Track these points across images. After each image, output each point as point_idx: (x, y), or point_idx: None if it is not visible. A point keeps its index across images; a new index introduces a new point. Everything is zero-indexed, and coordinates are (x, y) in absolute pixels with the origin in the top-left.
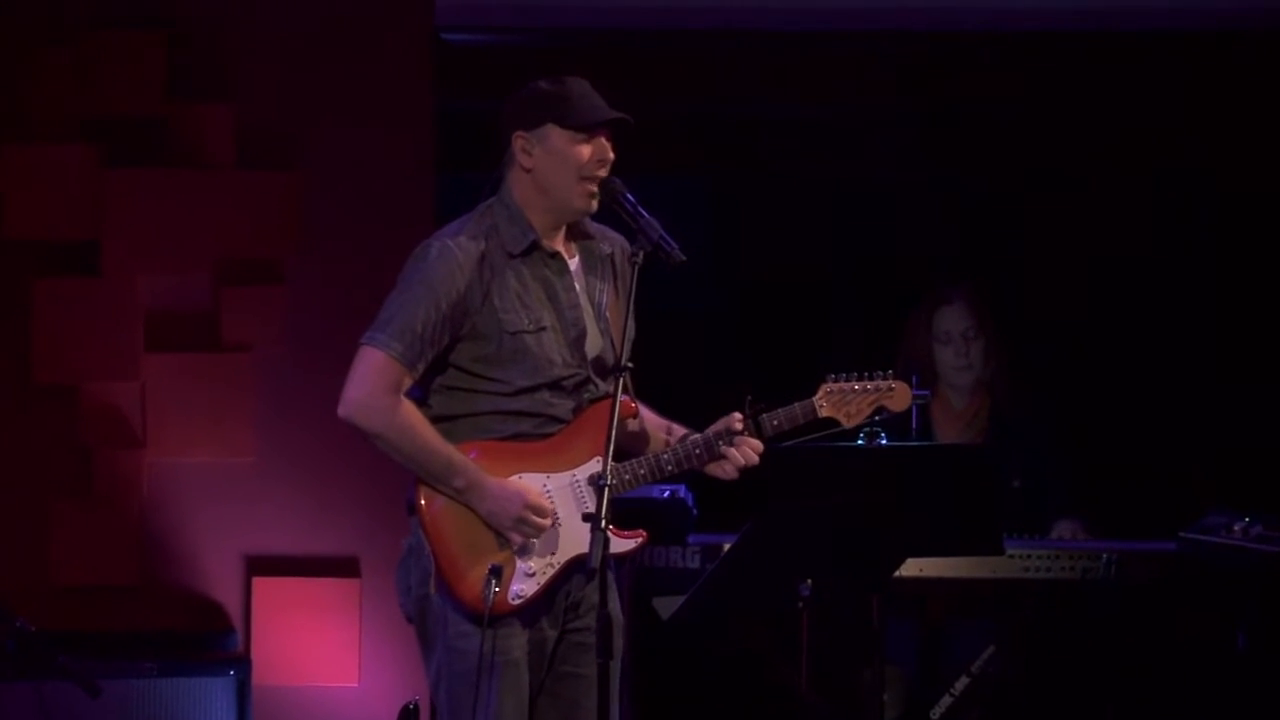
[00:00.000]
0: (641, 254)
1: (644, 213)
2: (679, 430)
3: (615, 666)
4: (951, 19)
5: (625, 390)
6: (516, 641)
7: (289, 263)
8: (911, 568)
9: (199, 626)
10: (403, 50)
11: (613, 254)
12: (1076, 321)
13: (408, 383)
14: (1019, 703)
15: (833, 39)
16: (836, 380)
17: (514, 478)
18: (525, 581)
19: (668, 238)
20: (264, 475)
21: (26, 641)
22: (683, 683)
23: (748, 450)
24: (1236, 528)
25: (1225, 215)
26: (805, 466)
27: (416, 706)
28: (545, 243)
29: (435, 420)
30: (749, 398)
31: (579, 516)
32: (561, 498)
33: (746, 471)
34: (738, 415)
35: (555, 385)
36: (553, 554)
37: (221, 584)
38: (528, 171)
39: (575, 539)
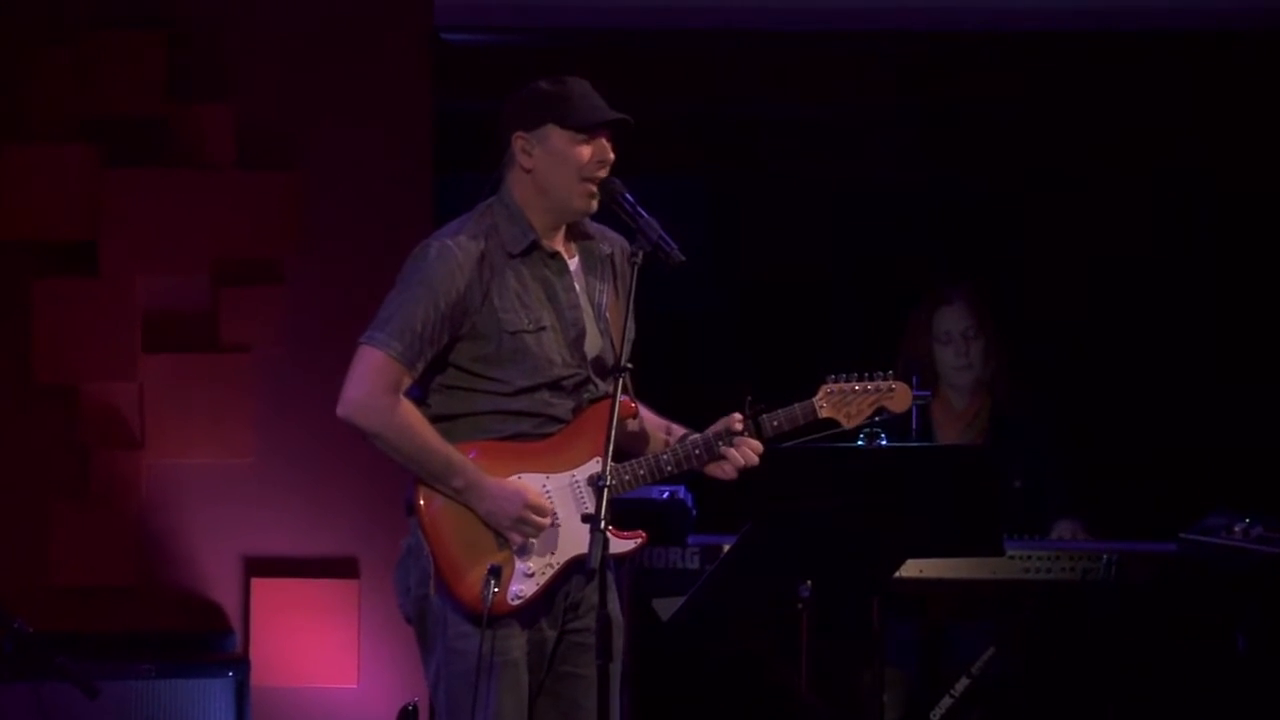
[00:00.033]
0: (641, 254)
1: (643, 213)
2: (678, 430)
3: (615, 668)
4: (951, 19)
5: (625, 390)
6: (516, 642)
7: (288, 263)
8: (911, 569)
9: (197, 627)
10: (402, 50)
11: (612, 254)
12: (1076, 321)
13: (407, 382)
14: (1019, 704)
15: (833, 39)
16: (837, 381)
17: (513, 478)
18: (524, 582)
19: (667, 238)
20: (263, 476)
21: (24, 642)
22: (682, 684)
23: (747, 451)
24: (1237, 529)
25: (1225, 215)
26: (805, 467)
27: (415, 707)
28: (545, 243)
29: (434, 420)
30: (749, 398)
31: (578, 517)
32: (561, 498)
33: (746, 472)
34: (737, 416)
35: (555, 385)
36: (552, 554)
37: (220, 585)
38: (528, 172)
39: (574, 539)
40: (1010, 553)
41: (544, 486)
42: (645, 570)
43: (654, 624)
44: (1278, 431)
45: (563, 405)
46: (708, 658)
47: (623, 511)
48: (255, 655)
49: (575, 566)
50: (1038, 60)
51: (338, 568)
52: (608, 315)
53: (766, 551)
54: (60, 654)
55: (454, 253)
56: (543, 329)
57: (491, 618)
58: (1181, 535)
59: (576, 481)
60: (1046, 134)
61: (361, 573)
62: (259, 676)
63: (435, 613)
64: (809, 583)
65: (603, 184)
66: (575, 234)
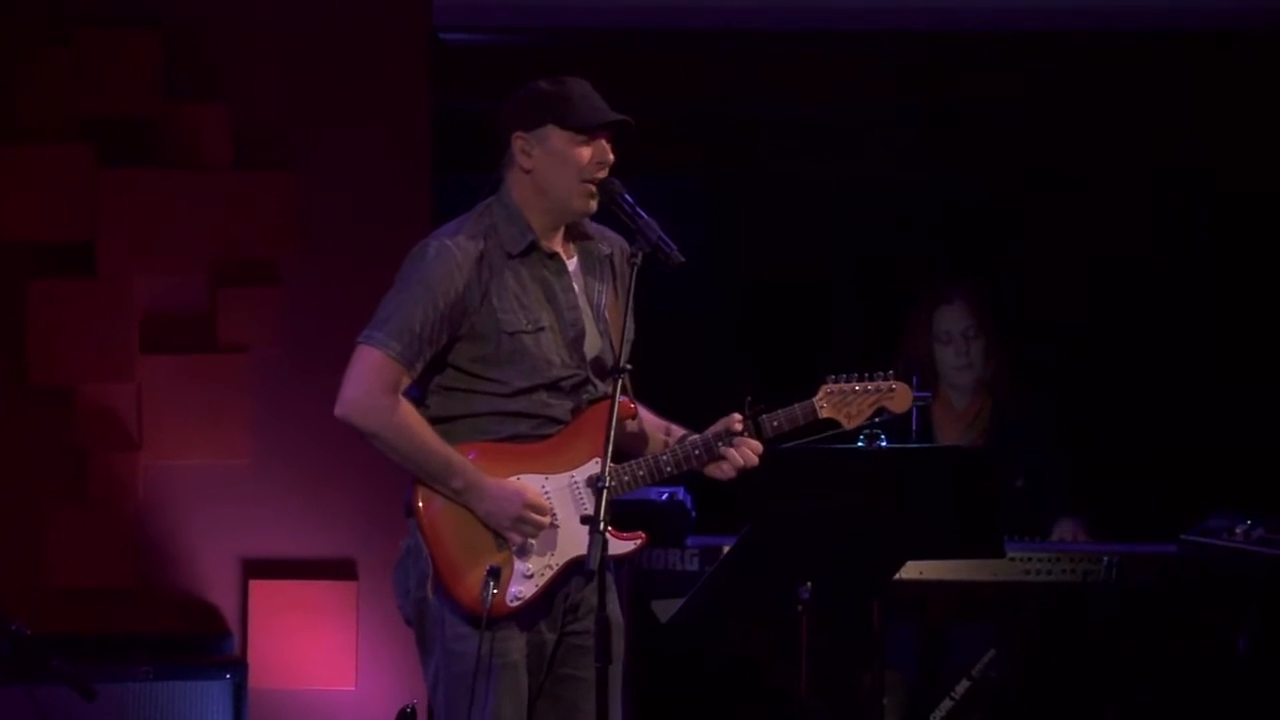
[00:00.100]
0: (640, 255)
1: (642, 213)
2: (678, 431)
3: (615, 670)
4: (951, 19)
5: (624, 391)
6: (515, 644)
7: (285, 263)
8: (912, 570)
9: (195, 629)
10: (400, 50)
11: (612, 255)
12: (1076, 321)
13: (405, 382)
14: (1020, 706)
15: (833, 39)
16: (837, 381)
17: (512, 479)
18: (523, 583)
19: (666, 239)
20: (260, 477)
21: (21, 644)
22: (682, 686)
23: (747, 451)
24: (1238, 530)
25: (1225, 215)
26: (805, 468)
27: (414, 709)
28: (544, 243)
29: (433, 421)
30: (749, 398)
31: (577, 518)
32: (560, 499)
33: (745, 473)
34: (737, 416)
35: (554, 386)
36: (551, 556)
37: (218, 586)
38: (527, 172)
39: (574, 540)
40: (1010, 554)
41: (543, 487)
42: (644, 572)
43: (653, 626)
44: (1278, 432)
45: (561, 406)
46: (707, 659)
47: (622, 513)
48: (253, 657)
49: (574, 568)
50: (1038, 60)
51: (336, 569)
52: (607, 316)
53: (766, 553)
54: (57, 656)
55: (453, 253)
56: (541, 329)
57: (490, 619)
58: (1182, 537)
59: (575, 482)
60: (1046, 134)
61: (360, 574)
62: (257, 678)
63: (434, 614)
64: (809, 584)
65: (602, 184)
66: (574, 234)
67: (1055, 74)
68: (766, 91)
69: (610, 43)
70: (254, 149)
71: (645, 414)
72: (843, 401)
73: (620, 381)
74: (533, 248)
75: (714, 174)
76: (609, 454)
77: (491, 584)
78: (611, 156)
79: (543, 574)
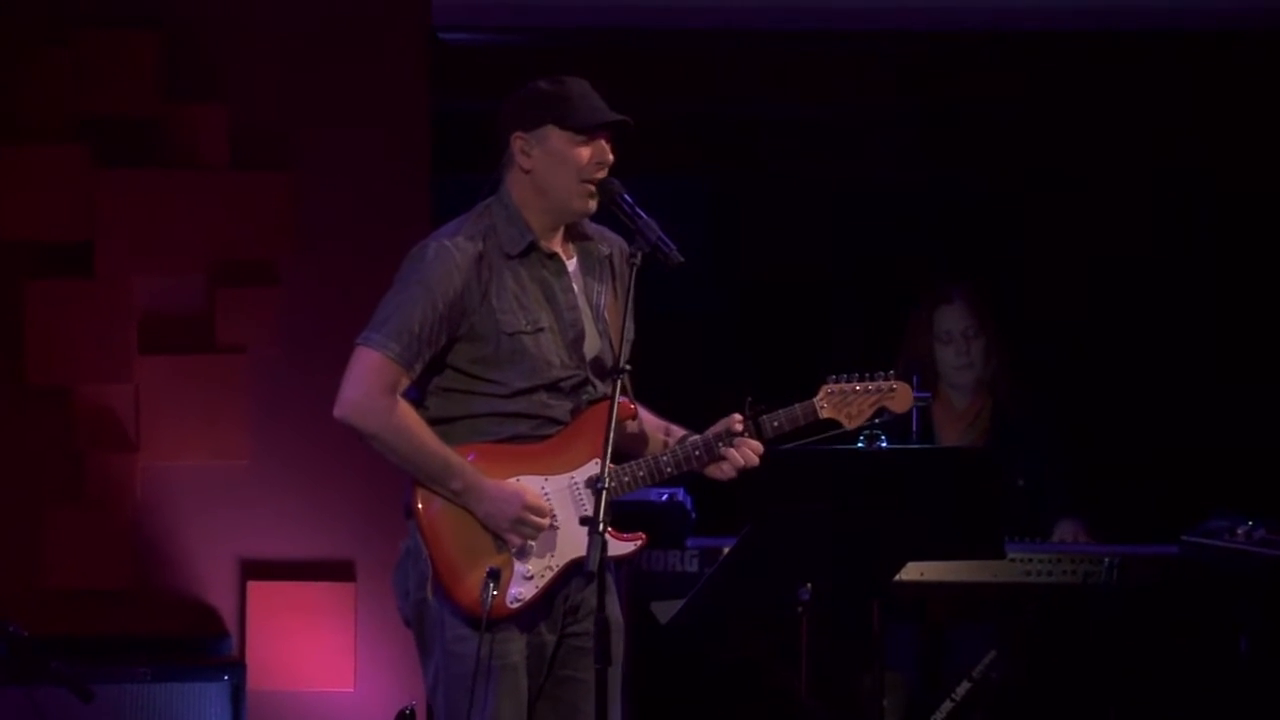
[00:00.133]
0: (639, 255)
1: (642, 214)
2: (677, 431)
3: (615, 671)
4: (951, 19)
5: (624, 392)
6: (515, 645)
7: (284, 264)
8: (912, 571)
9: (193, 631)
10: (399, 50)
11: (611, 255)
12: (1076, 321)
13: (404, 383)
14: (1021, 708)
15: (833, 39)
16: (838, 381)
17: (512, 480)
18: (523, 584)
19: (666, 239)
20: (259, 478)
21: (19, 646)
22: (681, 688)
23: (747, 452)
24: (1239, 531)
25: (1225, 215)
26: (805, 469)
27: (413, 711)
28: (543, 244)
29: (432, 422)
30: (749, 399)
31: (577, 519)
32: (560, 500)
33: (745, 474)
34: (738, 416)
35: (553, 387)
36: (551, 557)
37: (216, 588)
38: (526, 172)
39: (573, 542)
40: (1011, 555)
41: (543, 489)
42: (644, 573)
43: (653, 627)
44: (1278, 432)
45: (561, 407)
46: (707, 661)
47: (621, 514)
48: (251, 659)
49: (574, 569)
50: (1038, 60)
51: (334, 570)
52: (606, 316)
53: (766, 554)
54: (55, 658)
55: (451, 253)
56: (541, 330)
57: (490, 621)
58: (1183, 538)
59: (575, 483)
60: (1046, 134)
61: (358, 576)
62: (255, 680)
63: (434, 616)
64: (809, 585)
65: (601, 184)
66: (574, 235)
67: (1055, 74)
68: (766, 91)
69: (610, 42)
70: (252, 149)
71: (645, 414)
72: (843, 402)
73: (620, 382)
74: (532, 248)
75: (714, 174)
76: (608, 455)
77: (491, 586)
78: (611, 156)
79: (543, 575)
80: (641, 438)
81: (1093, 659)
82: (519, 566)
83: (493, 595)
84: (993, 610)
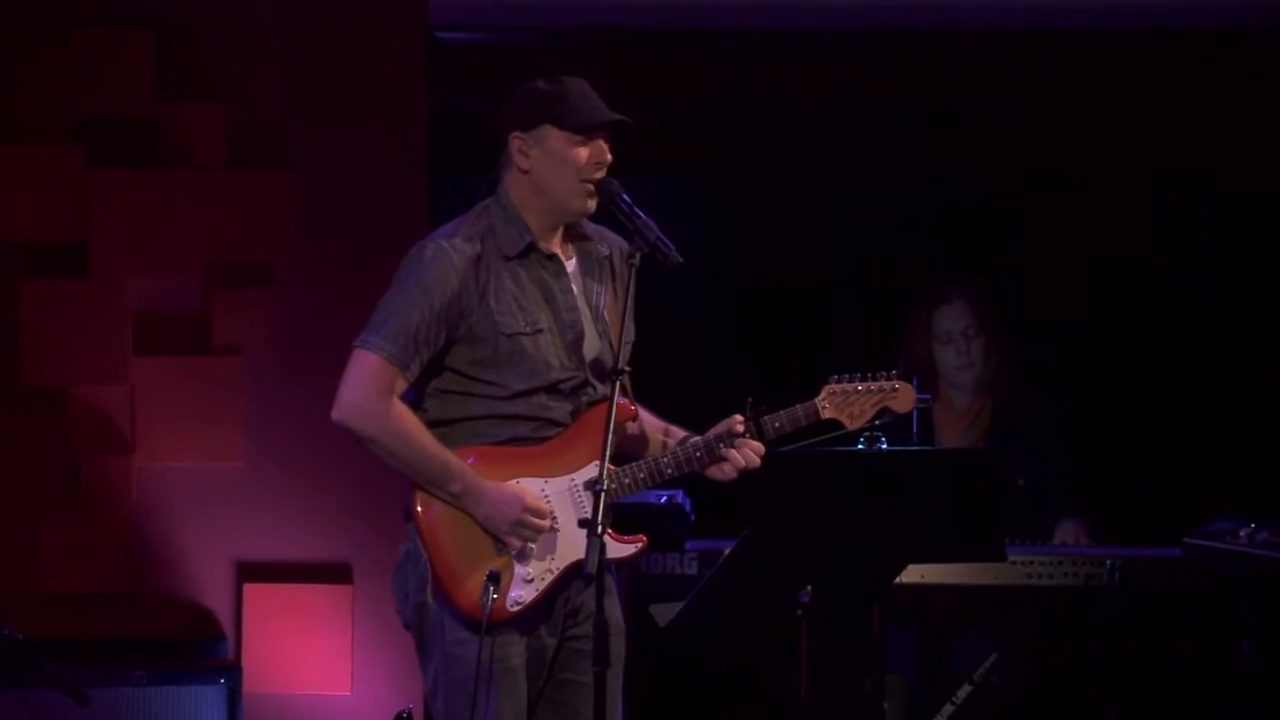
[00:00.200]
0: (638, 255)
1: (641, 214)
2: (677, 432)
3: (616, 673)
4: (951, 18)
5: (624, 393)
6: (515, 649)
7: (280, 264)
8: (913, 574)
9: (189, 633)
10: (397, 49)
11: (610, 255)
12: (1076, 321)
13: (402, 385)
14: (1022, 711)
15: (833, 39)
16: (839, 381)
17: (511, 482)
18: (524, 587)
19: (665, 239)
20: (255, 480)
21: (14, 649)
22: (681, 690)
23: (749, 452)
24: (1242, 534)
25: (1225, 215)
26: (805, 471)
27: (410, 714)
28: (542, 244)
29: (431, 425)
30: (750, 399)
31: (577, 522)
32: (560, 502)
33: (745, 475)
34: (739, 417)
35: (552, 388)
36: (551, 559)
37: (212, 590)
38: (525, 173)
39: (574, 544)
40: (1012, 558)
41: (543, 491)
42: (642, 576)
43: (652, 629)
44: (1278, 432)
45: (561, 408)
46: (706, 664)
47: (620, 516)
48: (248, 661)
49: (575, 572)
50: (1038, 60)
51: (331, 573)
52: (606, 317)
53: (766, 556)
54: (50, 661)
55: (449, 254)
56: (540, 331)
57: (490, 624)
58: (1186, 540)
59: (575, 485)
60: (1046, 134)
61: (355, 578)
62: (251, 683)
63: (433, 619)
64: (809, 588)
65: (600, 184)
66: (573, 235)
67: (1055, 74)
68: (766, 91)
69: (609, 42)
70: (249, 149)
71: (645, 415)
72: (845, 402)
73: (619, 383)
74: (531, 249)
75: (714, 174)
76: (607, 457)
77: (491, 589)
78: (609, 156)
79: (543, 578)
80: (642, 439)
81: (1094, 662)
82: (519, 569)
83: (492, 598)
84: (994, 613)
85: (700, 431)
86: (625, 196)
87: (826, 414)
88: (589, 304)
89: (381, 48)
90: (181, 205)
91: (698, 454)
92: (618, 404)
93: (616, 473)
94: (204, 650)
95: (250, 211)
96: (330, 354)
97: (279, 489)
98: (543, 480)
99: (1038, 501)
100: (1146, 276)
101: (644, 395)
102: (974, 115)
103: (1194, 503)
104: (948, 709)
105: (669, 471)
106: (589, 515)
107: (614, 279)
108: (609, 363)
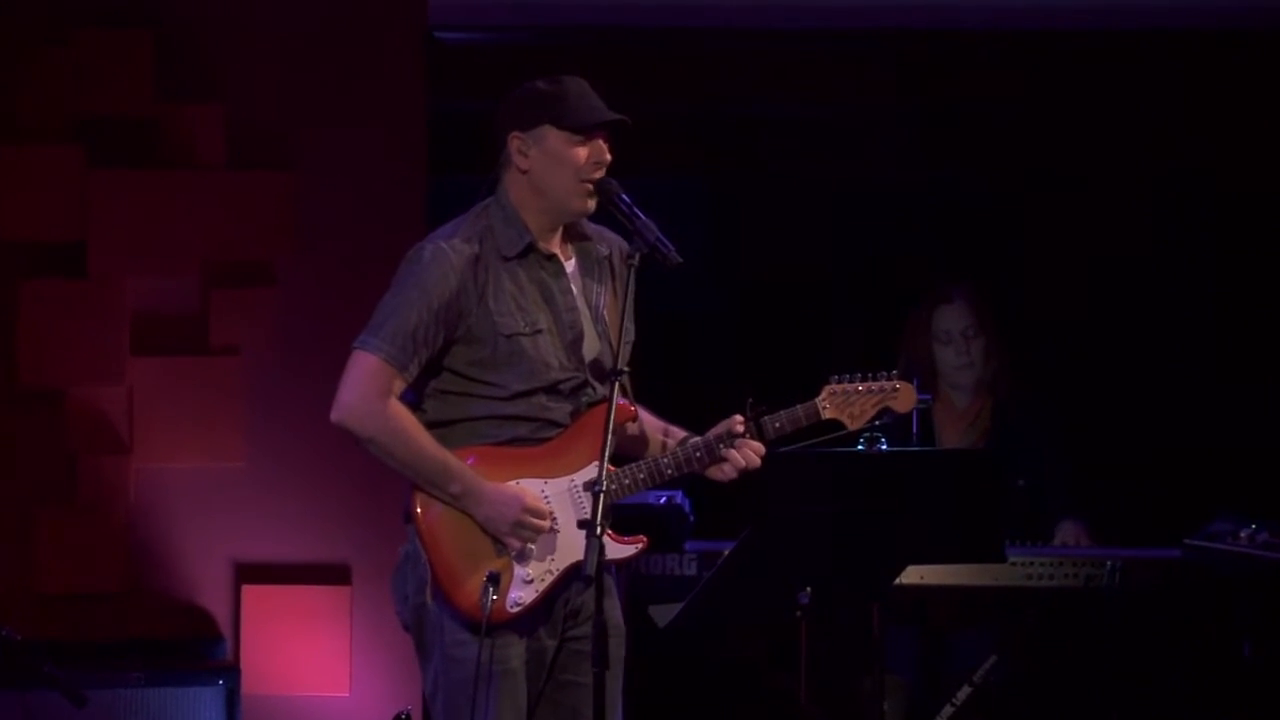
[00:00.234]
0: (637, 255)
1: (640, 214)
2: (677, 432)
3: (616, 674)
4: (951, 18)
5: (624, 393)
6: (514, 650)
7: (279, 265)
8: (912, 575)
9: (187, 634)
10: (396, 49)
11: (610, 255)
12: (1076, 321)
13: (401, 386)
14: (1022, 712)
15: (833, 39)
16: (840, 381)
17: (511, 483)
18: (523, 589)
19: (664, 240)
20: (253, 481)
21: (12, 650)
22: (680, 691)
23: (749, 453)
24: (1243, 534)
25: (1225, 215)
26: (804, 472)
27: (409, 716)
28: (541, 245)
29: (430, 426)
30: (750, 400)
31: (577, 522)
32: (560, 503)
33: (745, 476)
34: (739, 417)
35: (552, 389)
36: (551, 560)
37: (210, 591)
38: (524, 173)
39: (574, 545)
40: (1012, 559)
41: (542, 492)
42: (641, 576)
43: (651, 630)
44: (1278, 432)
45: (560, 409)
46: (705, 665)
47: (620, 517)
48: (246, 663)
49: (575, 573)
50: (1038, 60)
51: (330, 574)
52: (605, 317)
53: (765, 557)
54: (48, 662)
55: (448, 255)
56: (539, 332)
57: (490, 626)
58: (1186, 541)
59: (575, 486)
60: (1046, 134)
61: (354, 579)
62: (250, 684)
63: (433, 620)
64: (808, 589)
65: (599, 184)
66: (572, 235)
67: (1055, 74)
68: (766, 91)
69: (607, 41)
70: (248, 149)
71: (645, 416)
72: (846, 402)
73: (619, 384)
74: (530, 249)
75: (714, 174)
76: (606, 458)
77: (491, 590)
78: (609, 156)
79: (543, 579)
80: (641, 439)
81: (1094, 663)
82: (519, 570)
83: (492, 600)
84: (994, 614)
85: (700, 432)
86: (624, 196)
87: (827, 414)
88: (588, 304)
89: (380, 47)
90: (180, 205)
91: (698, 454)
92: (617, 404)
93: (616, 473)
94: (202, 651)
95: (249, 211)
96: (329, 354)
97: (277, 490)
98: (542, 481)
99: (1038, 502)
100: (1146, 276)
101: (644, 395)
102: (974, 115)
103: (1194, 503)
104: (947, 710)
105: (669, 472)
106: (588, 516)
107: (614, 279)
108: (608, 363)
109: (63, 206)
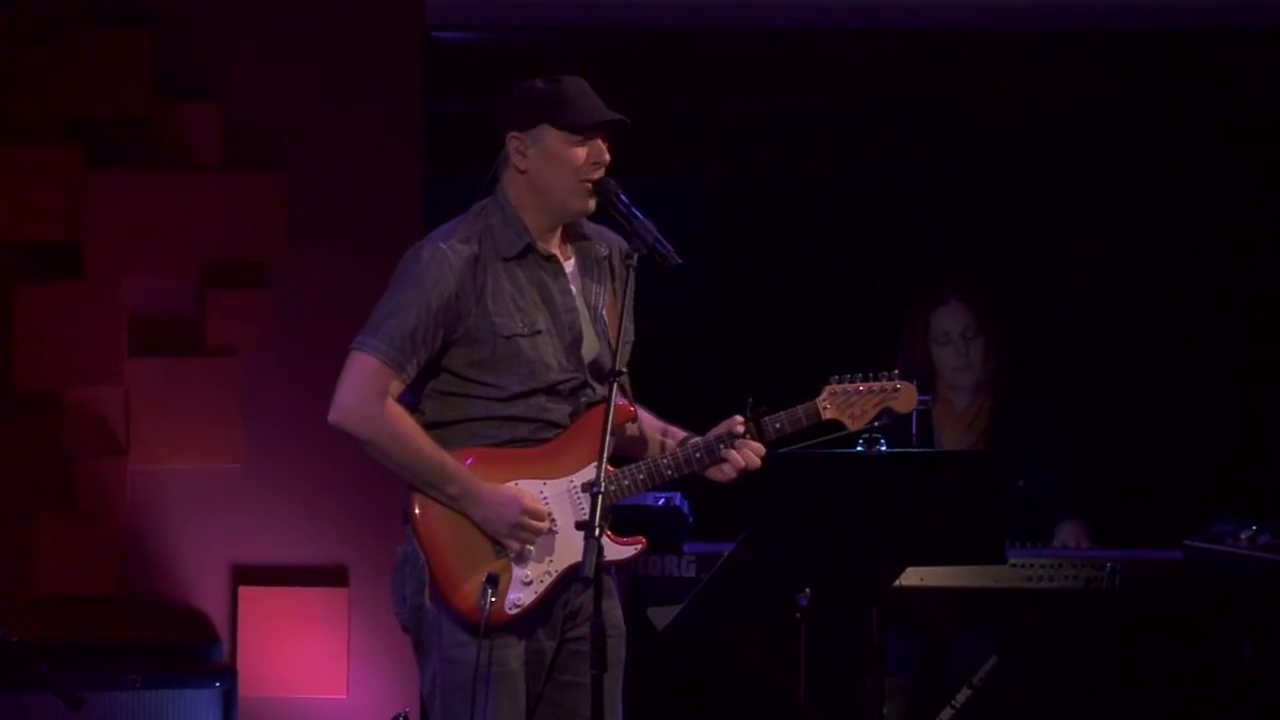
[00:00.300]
0: (636, 256)
1: (639, 214)
2: (676, 433)
3: (616, 675)
4: (951, 18)
5: (624, 394)
6: (513, 652)
7: (276, 265)
8: (912, 577)
9: (184, 637)
10: (393, 49)
11: (610, 256)
12: (1076, 322)
13: (399, 387)
14: (1022, 714)
15: (833, 39)
16: (840, 381)
17: (510, 484)
18: (522, 590)
19: (663, 240)
20: (250, 482)
21: (8, 652)
22: (678, 693)
23: (749, 453)
24: (1243, 536)
25: (1225, 215)
26: (803, 473)
27: (406, 718)
28: (540, 245)
29: (428, 426)
30: (751, 400)
31: (575, 523)
32: (558, 504)
33: (745, 476)
34: (739, 418)
35: (551, 390)
36: (550, 562)
37: (207, 593)
38: (522, 173)
39: (573, 546)
40: (1012, 560)
41: (541, 493)
42: (640, 578)
43: (649, 632)
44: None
45: (559, 410)
46: (706, 665)
47: (618, 518)
48: (243, 665)
49: (574, 574)
50: (1038, 60)
51: (327, 576)
52: (605, 317)
53: (764, 558)
54: (45, 664)
55: (446, 256)
56: (538, 333)
57: (489, 627)
58: (1186, 542)
59: (574, 487)
60: (1046, 134)
61: (351, 581)
62: (247, 686)
63: (431, 622)
64: (808, 590)
65: (598, 185)
66: (572, 235)
67: (1055, 74)
68: (765, 91)
69: (605, 41)
70: (244, 149)
71: (645, 416)
72: (846, 402)
73: (619, 384)
74: (529, 249)
75: (713, 174)
76: (604, 459)
77: (489, 591)
78: (608, 156)
79: (541, 581)
80: (641, 440)
81: (1095, 665)
82: (517, 572)
83: (491, 601)
84: (994, 615)
85: (700, 432)
86: (623, 197)
87: (828, 414)
88: (588, 305)
89: (378, 47)
90: (178, 205)
91: (697, 455)
92: (617, 405)
93: (615, 474)
94: (199, 653)
95: (246, 211)
96: (326, 355)
97: (275, 491)
98: (541, 482)
99: (1037, 503)
100: (1146, 276)
101: (643, 396)
102: (974, 115)
103: (1194, 504)
104: (947, 712)
105: (668, 473)
106: (587, 517)
107: (613, 279)
108: (608, 364)
109: (59, 207)
